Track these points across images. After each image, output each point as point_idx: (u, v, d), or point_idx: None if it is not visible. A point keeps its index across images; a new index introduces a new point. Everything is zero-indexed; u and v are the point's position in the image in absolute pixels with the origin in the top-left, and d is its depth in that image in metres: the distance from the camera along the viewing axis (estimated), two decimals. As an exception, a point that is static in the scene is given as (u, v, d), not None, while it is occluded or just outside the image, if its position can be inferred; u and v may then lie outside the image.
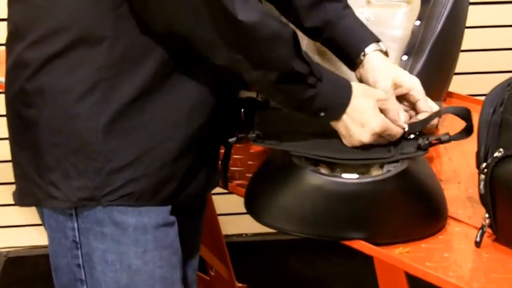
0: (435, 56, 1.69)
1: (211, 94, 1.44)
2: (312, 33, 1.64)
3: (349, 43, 1.60)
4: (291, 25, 1.57)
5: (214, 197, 2.38)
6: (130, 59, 1.37)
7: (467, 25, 1.82)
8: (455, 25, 1.75)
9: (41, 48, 1.38)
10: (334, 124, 1.48)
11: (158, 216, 1.45)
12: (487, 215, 1.40)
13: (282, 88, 1.42)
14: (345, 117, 1.47)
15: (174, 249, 1.49)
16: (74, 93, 1.37)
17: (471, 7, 1.83)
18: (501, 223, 1.39)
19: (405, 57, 1.68)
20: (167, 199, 1.46)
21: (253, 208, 1.49)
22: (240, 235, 3.14)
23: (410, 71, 1.66)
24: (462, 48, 1.83)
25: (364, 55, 1.59)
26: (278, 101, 1.47)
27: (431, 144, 1.49)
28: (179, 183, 1.46)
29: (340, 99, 1.46)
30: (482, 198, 1.40)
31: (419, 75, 1.65)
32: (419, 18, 1.71)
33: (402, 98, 1.58)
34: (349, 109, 1.46)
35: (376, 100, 1.49)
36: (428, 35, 1.69)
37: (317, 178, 1.40)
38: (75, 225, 1.44)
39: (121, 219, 1.42)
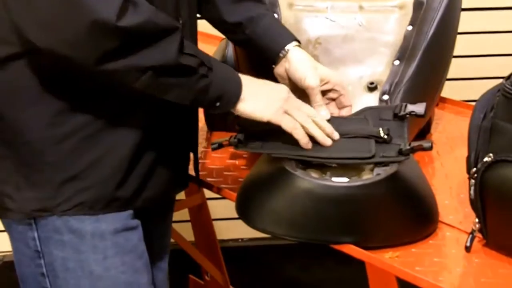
0: (427, 61, 1.69)
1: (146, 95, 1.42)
2: (234, 29, 1.63)
3: (272, 38, 1.60)
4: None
5: (209, 202, 2.39)
6: (68, 72, 1.36)
7: (459, 31, 1.82)
8: (447, 31, 1.75)
9: None
10: (241, 108, 1.46)
11: (116, 221, 1.45)
12: (477, 220, 1.40)
13: (174, 84, 1.38)
14: (245, 98, 1.45)
15: (139, 253, 1.49)
16: (21, 106, 1.38)
17: (463, 13, 1.83)
18: (491, 228, 1.39)
19: (397, 62, 1.68)
20: (123, 205, 1.46)
21: (244, 212, 1.49)
22: (235, 240, 3.14)
23: (402, 76, 1.66)
24: (455, 54, 1.83)
25: (287, 50, 1.59)
26: (173, 98, 1.41)
27: (413, 150, 1.48)
28: (134, 188, 1.46)
29: (233, 84, 1.44)
30: (473, 203, 1.41)
31: (411, 80, 1.66)
32: (411, 23, 1.71)
33: (324, 92, 1.59)
34: (245, 91, 1.45)
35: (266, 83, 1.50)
36: (420, 40, 1.69)
37: (307, 182, 1.41)
38: (35, 234, 1.44)
39: (78, 227, 1.43)
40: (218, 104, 1.43)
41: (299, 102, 1.50)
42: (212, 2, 1.62)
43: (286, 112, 1.47)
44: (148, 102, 1.43)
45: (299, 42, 1.61)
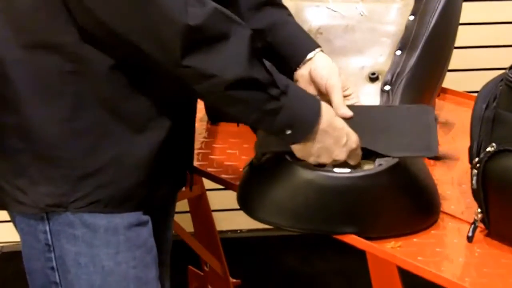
0: (429, 51, 1.68)
1: (178, 95, 1.41)
2: None
3: (294, 46, 1.58)
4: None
5: (208, 193, 2.38)
6: (95, 66, 1.34)
7: (460, 21, 1.81)
8: (448, 20, 1.75)
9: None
10: (302, 146, 1.40)
11: (130, 216, 1.44)
12: (479, 210, 1.40)
13: (237, 97, 1.32)
14: (318, 138, 1.39)
15: (148, 248, 1.48)
16: (41, 99, 1.36)
17: (464, 3, 1.83)
18: (493, 218, 1.39)
19: (398, 52, 1.68)
20: (137, 205, 1.44)
21: (245, 203, 1.49)
22: (235, 231, 3.14)
23: (404, 66, 1.66)
24: (456, 44, 1.83)
25: (314, 54, 1.56)
26: (235, 113, 1.35)
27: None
28: (149, 188, 1.45)
29: (310, 115, 1.38)
30: (475, 193, 1.40)
31: (412, 70, 1.66)
32: (413, 13, 1.70)
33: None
34: (322, 127, 1.39)
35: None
36: (422, 30, 1.69)
37: (308, 173, 1.40)
38: (47, 228, 1.43)
39: (92, 221, 1.41)
40: (288, 132, 1.37)
41: (353, 145, 1.45)
42: (233, 8, 1.60)
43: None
44: (172, 104, 1.42)
45: (320, 47, 1.59)
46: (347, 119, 1.48)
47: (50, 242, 1.43)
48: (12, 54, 1.35)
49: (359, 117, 1.49)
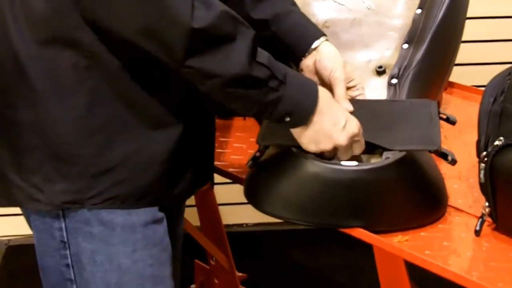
0: (436, 44, 1.68)
1: (195, 92, 1.39)
2: (259, 26, 1.57)
3: (299, 35, 1.58)
4: None
5: (215, 187, 2.37)
6: (109, 63, 1.34)
7: (468, 15, 1.81)
8: (456, 14, 1.74)
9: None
10: (301, 130, 1.40)
11: (147, 214, 1.44)
12: (487, 204, 1.40)
13: (237, 94, 1.34)
14: (315, 119, 1.39)
15: (164, 245, 1.48)
16: (56, 95, 1.36)
17: (472, -3, 1.83)
18: (501, 212, 1.39)
19: (405, 46, 1.68)
20: (154, 201, 1.44)
21: (252, 196, 1.49)
22: (241, 225, 3.13)
23: (411, 60, 1.66)
24: (463, 38, 1.83)
25: (319, 43, 1.57)
26: (237, 108, 1.38)
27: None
28: (167, 185, 1.44)
29: (308, 100, 1.39)
30: (482, 187, 1.40)
31: (419, 64, 1.65)
32: (420, 7, 1.70)
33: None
34: (319, 110, 1.39)
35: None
36: (429, 24, 1.68)
37: (315, 166, 1.40)
38: (63, 225, 1.42)
39: (109, 218, 1.41)
40: (288, 119, 1.38)
41: (352, 128, 1.43)
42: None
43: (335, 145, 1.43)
44: (188, 100, 1.42)
45: (326, 36, 1.60)
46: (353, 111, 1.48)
47: (65, 239, 1.43)
48: (27, 50, 1.34)
49: (362, 111, 1.49)
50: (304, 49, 1.58)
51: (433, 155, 1.47)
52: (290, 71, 1.39)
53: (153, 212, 1.45)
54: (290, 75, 1.37)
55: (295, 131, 1.41)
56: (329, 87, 1.53)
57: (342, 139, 1.41)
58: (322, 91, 1.41)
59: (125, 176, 1.40)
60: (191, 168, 1.48)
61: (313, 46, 1.57)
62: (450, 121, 1.54)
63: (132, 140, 1.39)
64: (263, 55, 1.34)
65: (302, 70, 1.59)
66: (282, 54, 1.62)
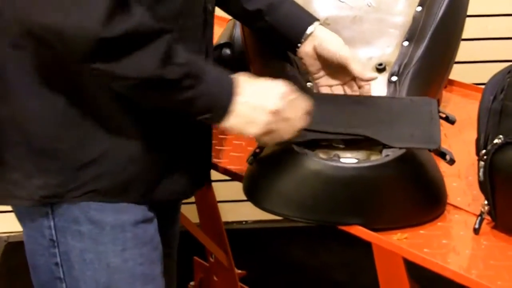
0: (436, 42, 1.68)
1: None
2: (253, 17, 1.61)
3: (294, 22, 1.58)
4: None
5: (214, 184, 2.38)
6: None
7: (468, 13, 1.81)
8: (456, 12, 1.74)
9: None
10: (233, 120, 1.36)
11: (137, 213, 1.43)
12: (486, 202, 1.40)
13: (152, 96, 1.33)
14: (239, 102, 1.35)
15: (154, 244, 1.47)
16: (32, 90, 1.35)
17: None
18: (500, 210, 1.39)
19: (406, 43, 1.68)
20: (140, 198, 1.43)
21: (252, 193, 1.49)
22: (240, 222, 3.14)
23: (411, 57, 1.66)
24: (463, 36, 1.82)
25: (314, 29, 1.57)
26: (151, 106, 1.35)
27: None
28: (151, 182, 1.43)
29: (224, 93, 1.35)
30: (482, 185, 1.40)
31: (420, 61, 1.65)
32: (420, 4, 1.70)
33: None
34: (241, 95, 1.35)
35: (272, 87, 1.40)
36: (429, 22, 1.68)
37: (315, 163, 1.40)
38: (52, 223, 1.42)
39: (98, 217, 1.40)
40: (208, 116, 1.35)
41: (281, 89, 1.39)
42: None
43: (271, 128, 1.39)
44: None
45: (319, 20, 1.60)
46: (352, 107, 1.48)
47: (54, 238, 1.42)
48: (2, 45, 1.34)
49: (362, 107, 1.49)
50: (299, 36, 1.58)
51: (432, 153, 1.47)
52: (211, 67, 1.37)
53: (143, 211, 1.44)
54: (210, 72, 1.35)
55: (229, 125, 1.37)
56: (339, 69, 1.54)
57: (275, 102, 1.36)
58: (243, 79, 1.37)
59: (104, 170, 1.39)
60: (183, 167, 1.47)
61: (307, 32, 1.58)
62: (449, 120, 1.54)
63: (108, 136, 1.38)
64: (180, 55, 1.31)
65: (302, 58, 1.59)
66: (279, 45, 1.62)
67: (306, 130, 1.43)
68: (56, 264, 1.44)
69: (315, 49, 1.57)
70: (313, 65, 1.59)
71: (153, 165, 1.42)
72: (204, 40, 1.47)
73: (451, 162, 1.45)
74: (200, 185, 1.56)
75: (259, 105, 1.37)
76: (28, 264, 1.50)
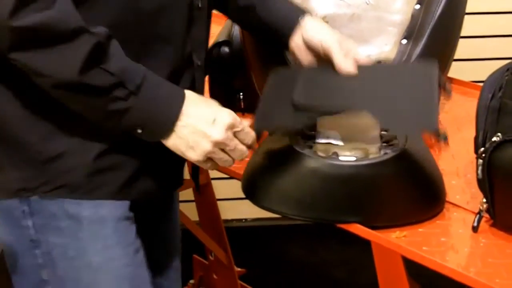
0: (435, 40, 1.68)
1: None
2: (246, 12, 1.59)
3: (283, 15, 1.57)
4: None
5: (213, 182, 2.38)
6: None
7: (466, 11, 1.81)
8: (454, 9, 1.74)
9: None
10: (172, 141, 1.35)
11: (117, 208, 1.40)
12: (484, 200, 1.40)
13: (72, 98, 1.30)
14: (180, 125, 1.33)
15: (137, 246, 1.43)
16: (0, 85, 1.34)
17: (471, -7, 1.83)
18: (499, 208, 1.39)
19: (404, 41, 1.67)
20: (114, 194, 1.40)
21: (250, 191, 1.49)
22: (240, 220, 3.14)
23: (410, 55, 1.66)
24: (462, 34, 1.82)
25: (302, 20, 1.55)
26: (78, 111, 1.32)
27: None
28: (123, 178, 1.40)
29: (165, 114, 1.32)
30: (480, 183, 1.40)
31: (418, 59, 1.65)
32: (419, 2, 1.70)
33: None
34: (185, 114, 1.33)
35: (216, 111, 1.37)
36: (428, 19, 1.68)
37: (314, 161, 1.40)
38: (30, 223, 1.39)
39: (75, 211, 1.38)
40: (139, 131, 1.32)
41: (224, 119, 1.36)
42: None
43: (212, 156, 1.37)
44: None
45: (309, 13, 1.59)
46: (351, 78, 1.46)
47: (35, 238, 1.40)
48: None
49: (361, 78, 1.47)
50: (289, 30, 1.56)
51: (427, 142, 1.46)
52: (151, 83, 1.32)
53: (123, 207, 1.41)
54: (148, 86, 1.31)
55: (168, 143, 1.35)
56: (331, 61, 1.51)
57: (220, 132, 1.35)
58: (188, 96, 1.35)
59: (72, 165, 1.36)
60: (155, 166, 1.44)
61: (296, 26, 1.55)
62: (446, 90, 1.52)
63: (78, 131, 1.35)
64: (114, 63, 1.28)
65: (293, 52, 1.57)
66: (273, 42, 1.61)
67: (308, 108, 1.41)
68: (39, 265, 1.41)
69: (304, 41, 1.55)
70: (305, 58, 1.55)
71: (124, 161, 1.40)
72: (188, 38, 1.43)
73: (445, 140, 1.43)
74: (175, 185, 1.54)
75: (203, 132, 1.34)
76: (9, 269, 1.46)
